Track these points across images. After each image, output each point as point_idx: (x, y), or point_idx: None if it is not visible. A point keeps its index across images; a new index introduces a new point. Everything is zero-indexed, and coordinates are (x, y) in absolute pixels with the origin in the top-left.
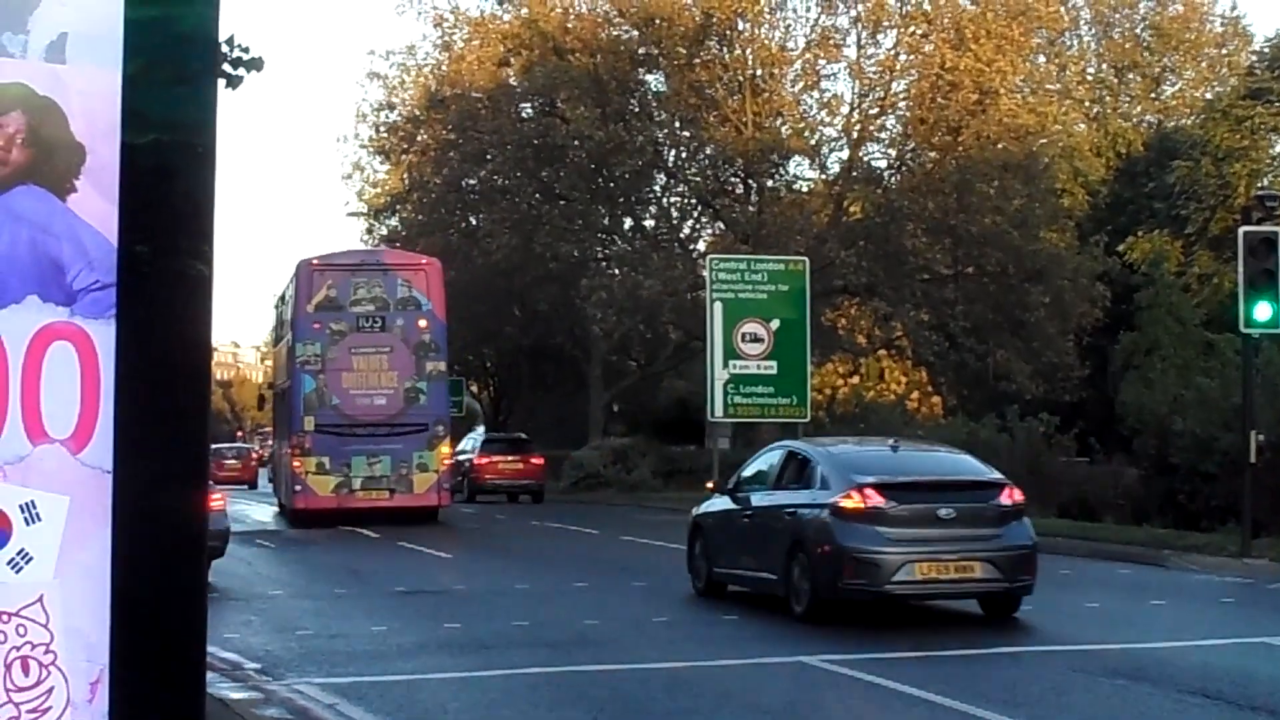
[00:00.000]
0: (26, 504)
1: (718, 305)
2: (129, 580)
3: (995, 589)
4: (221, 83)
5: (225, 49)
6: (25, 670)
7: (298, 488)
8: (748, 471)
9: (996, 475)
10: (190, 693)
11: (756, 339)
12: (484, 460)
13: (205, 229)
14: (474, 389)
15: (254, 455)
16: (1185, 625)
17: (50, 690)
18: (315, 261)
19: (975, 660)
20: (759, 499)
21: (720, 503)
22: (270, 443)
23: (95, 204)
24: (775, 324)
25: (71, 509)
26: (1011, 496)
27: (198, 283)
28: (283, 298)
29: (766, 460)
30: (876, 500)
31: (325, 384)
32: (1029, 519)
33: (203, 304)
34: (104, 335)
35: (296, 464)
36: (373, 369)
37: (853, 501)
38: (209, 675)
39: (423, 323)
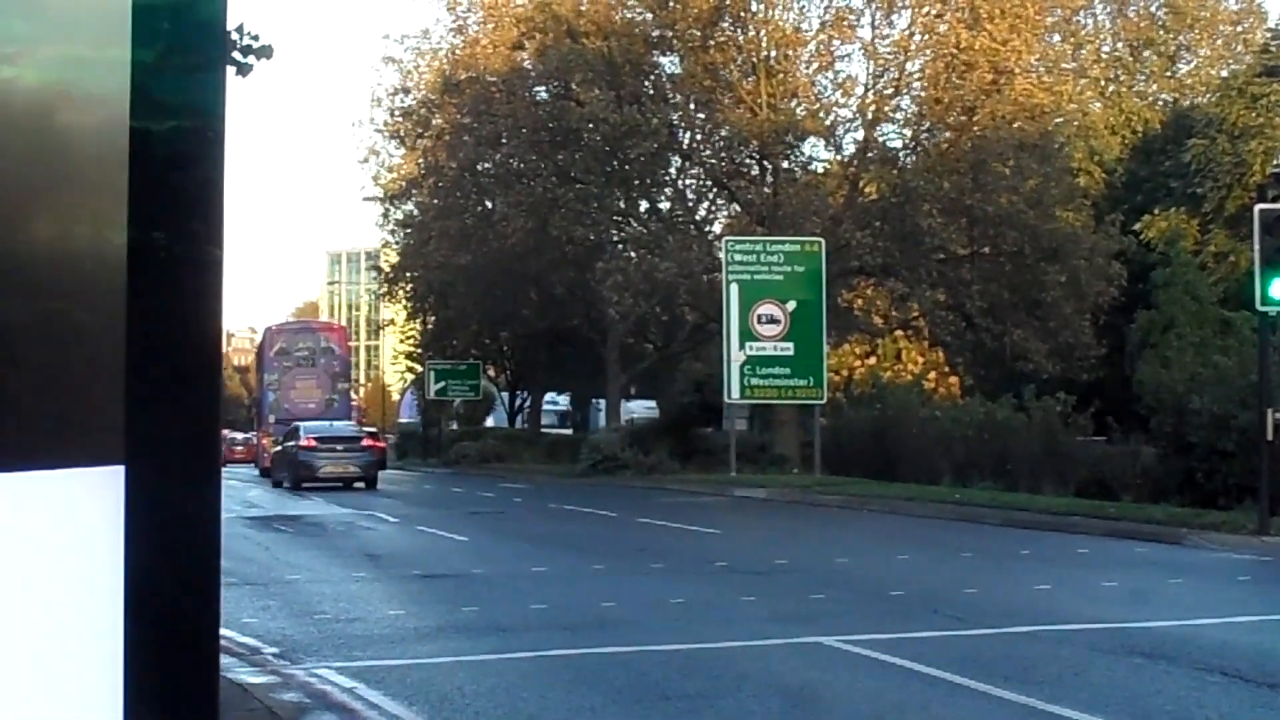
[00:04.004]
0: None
1: (734, 287)
2: (141, 572)
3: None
4: (231, 70)
5: (235, 37)
6: None
7: (265, 455)
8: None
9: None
10: (204, 684)
11: (773, 320)
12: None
13: (215, 215)
14: (491, 373)
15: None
16: (1203, 603)
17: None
18: (274, 327)
19: (993, 639)
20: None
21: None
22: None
23: None
24: (791, 305)
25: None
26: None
27: (209, 268)
28: (259, 348)
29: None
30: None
31: (280, 396)
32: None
33: (214, 290)
34: None
35: (265, 440)
36: (307, 388)
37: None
38: (227, 660)
39: (335, 363)
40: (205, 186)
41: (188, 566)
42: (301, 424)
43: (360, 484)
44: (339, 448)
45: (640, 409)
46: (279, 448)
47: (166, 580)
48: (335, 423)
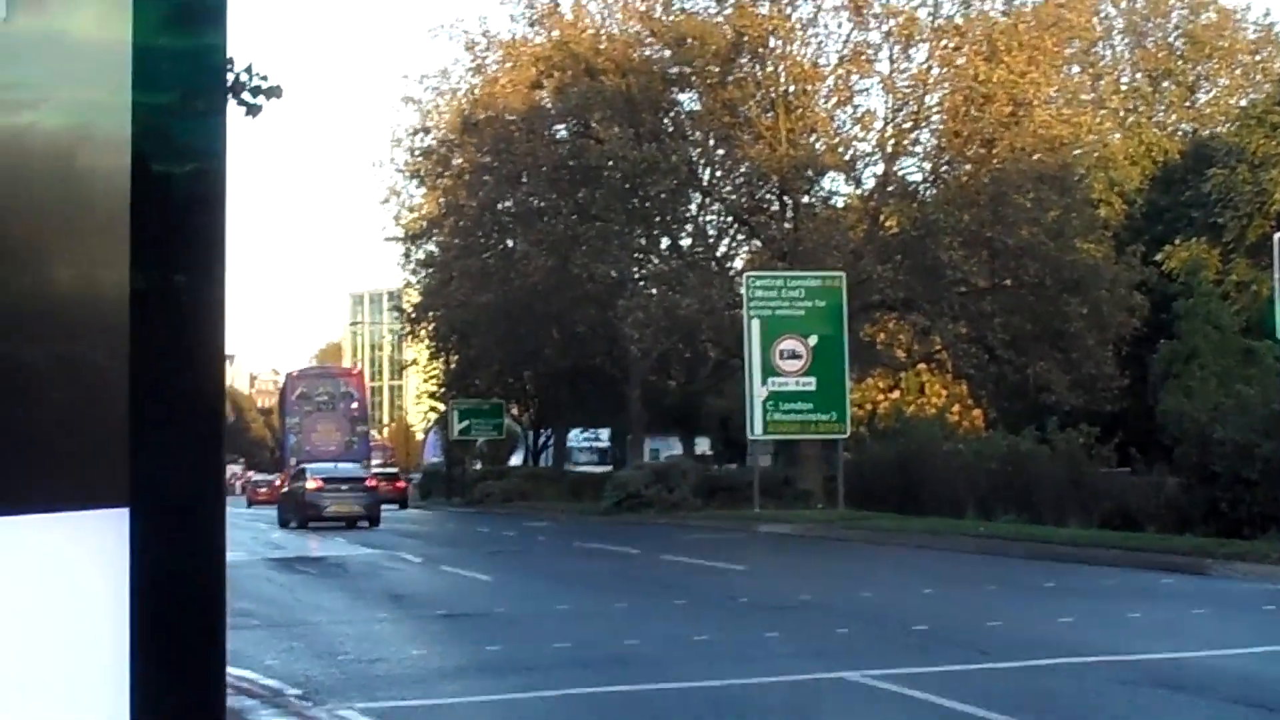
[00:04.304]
0: None
1: (755, 322)
2: (146, 615)
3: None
4: (241, 111)
5: (245, 77)
6: None
7: None
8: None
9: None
10: None
11: (795, 355)
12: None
13: (217, 257)
14: (514, 411)
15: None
16: (1228, 634)
17: None
18: (295, 372)
19: (1017, 672)
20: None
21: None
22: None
23: None
24: (813, 340)
25: None
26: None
27: (211, 310)
28: (281, 393)
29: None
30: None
31: (301, 439)
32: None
33: (216, 331)
34: None
35: (287, 482)
36: (327, 431)
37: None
38: (249, 702)
39: (354, 406)
40: (207, 228)
41: (193, 608)
42: (308, 466)
43: (364, 523)
44: (344, 488)
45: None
46: (286, 489)
47: (172, 622)
48: (340, 464)
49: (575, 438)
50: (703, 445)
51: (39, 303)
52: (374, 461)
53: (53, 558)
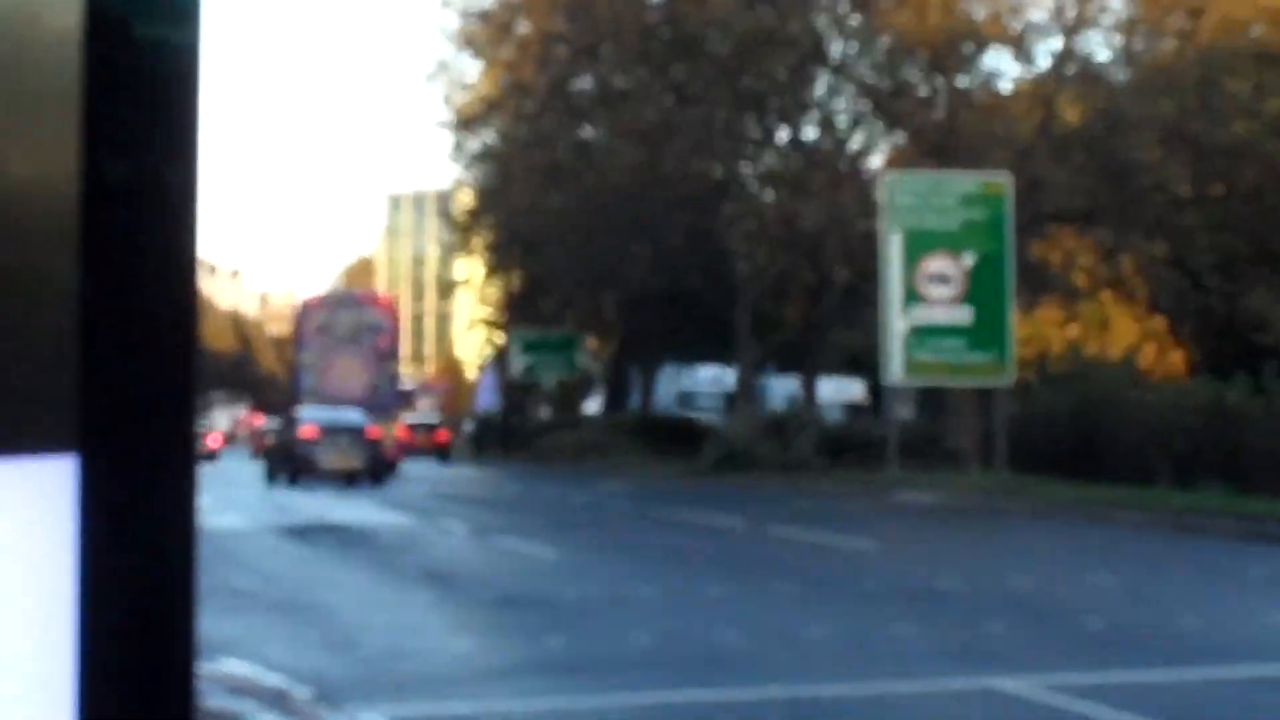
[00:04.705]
0: None
1: (896, 237)
2: (98, 588)
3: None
4: None
5: None
6: None
7: None
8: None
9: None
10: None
11: (944, 279)
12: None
13: (189, 138)
14: (592, 344)
15: None
16: None
17: None
18: (314, 299)
19: (1213, 685)
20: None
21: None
22: None
23: None
24: (969, 260)
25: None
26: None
27: (181, 205)
28: (296, 323)
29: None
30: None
31: (318, 379)
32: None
33: (186, 232)
34: None
35: None
36: (349, 368)
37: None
38: (246, 704)
39: (382, 339)
40: (177, 104)
41: (157, 580)
42: (301, 411)
43: (364, 480)
44: (341, 439)
45: (835, 392)
46: (274, 439)
47: (130, 598)
48: (339, 410)
49: (697, 378)
50: (849, 389)
51: None
52: (422, 405)
53: None
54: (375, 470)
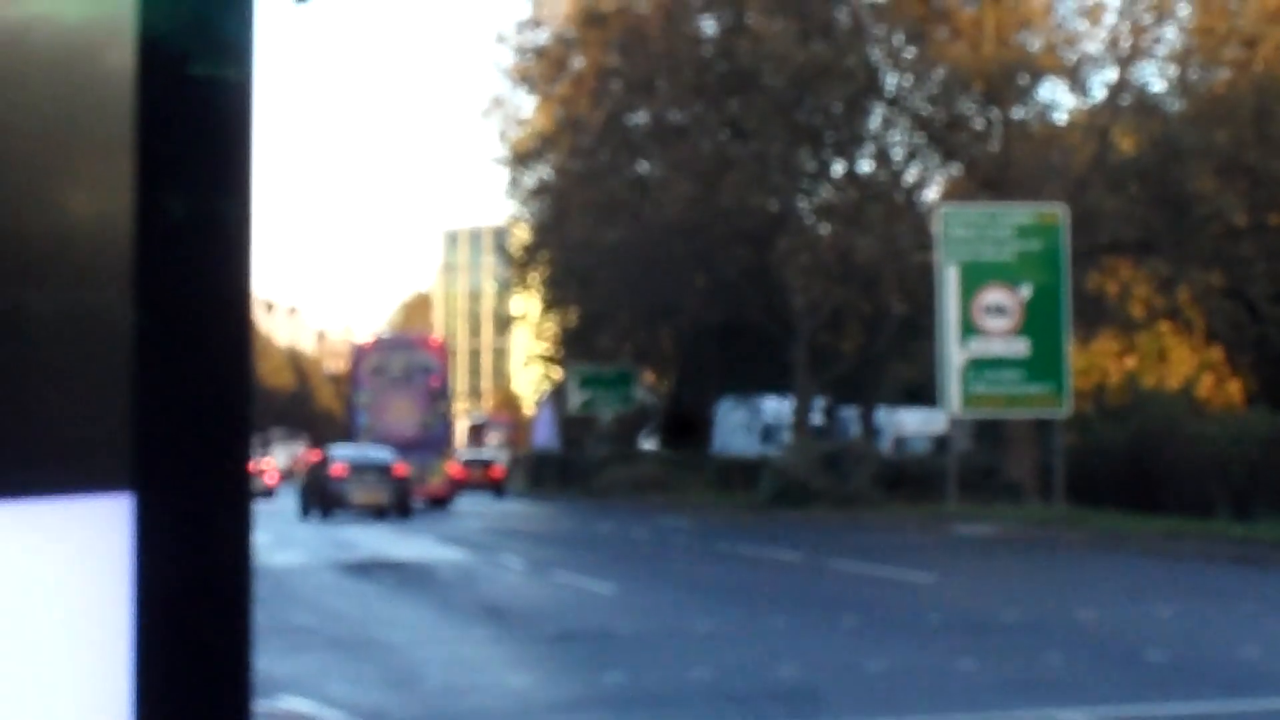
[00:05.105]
0: None
1: (952, 269)
2: (153, 628)
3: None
4: None
5: None
6: None
7: None
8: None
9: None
10: None
11: (1001, 311)
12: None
13: (242, 174)
14: (649, 378)
15: None
16: None
17: None
18: (368, 342)
19: (1254, 716)
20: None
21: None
22: None
23: None
24: (1025, 291)
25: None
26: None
27: (236, 241)
28: (352, 365)
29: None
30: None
31: (373, 419)
32: None
33: (241, 268)
34: None
35: None
36: (402, 408)
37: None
38: None
39: (433, 380)
40: (232, 141)
41: (212, 618)
42: (335, 450)
43: (392, 513)
44: (369, 475)
45: (923, 424)
46: (308, 475)
47: (186, 635)
48: (368, 450)
49: (772, 410)
50: (936, 420)
51: (28, 242)
52: (491, 438)
53: (33, 558)
54: (402, 504)
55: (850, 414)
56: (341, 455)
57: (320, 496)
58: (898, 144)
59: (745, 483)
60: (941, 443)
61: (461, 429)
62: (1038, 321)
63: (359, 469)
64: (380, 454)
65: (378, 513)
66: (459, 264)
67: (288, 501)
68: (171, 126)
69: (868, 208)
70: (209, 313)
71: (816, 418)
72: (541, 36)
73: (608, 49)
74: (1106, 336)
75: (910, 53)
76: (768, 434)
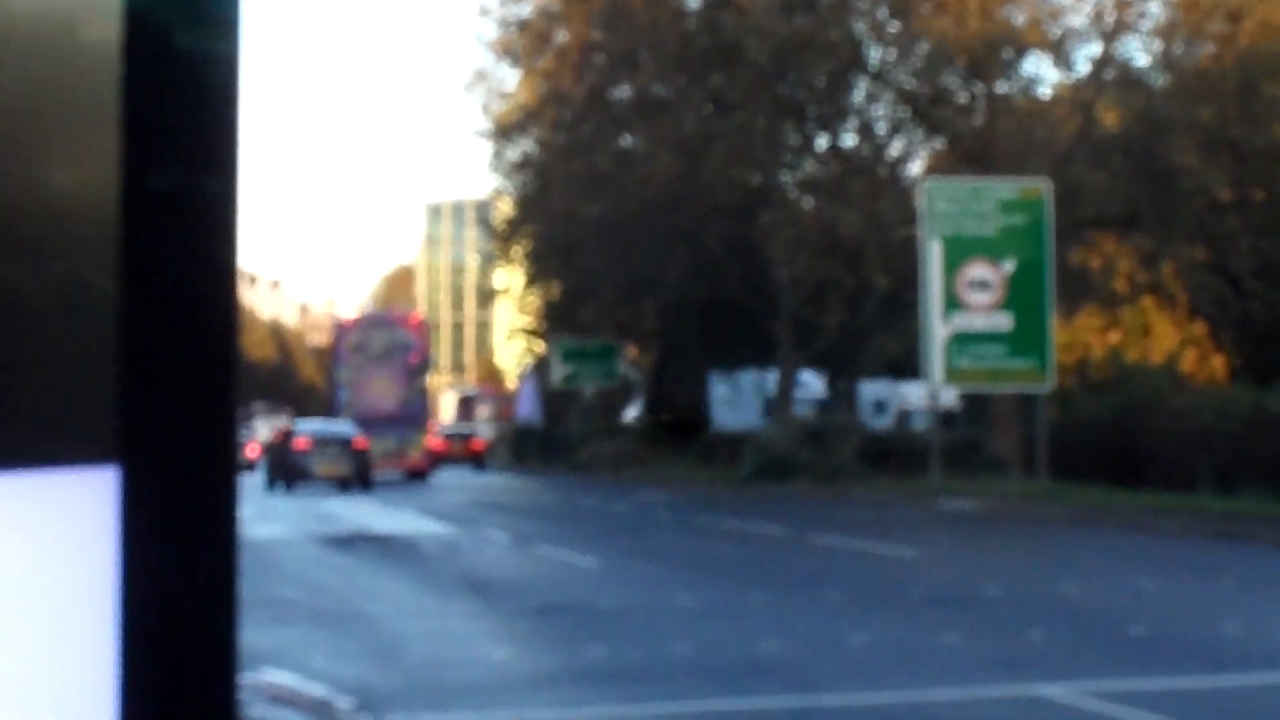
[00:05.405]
0: None
1: (935, 243)
2: (139, 599)
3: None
4: None
5: None
6: None
7: None
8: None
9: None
10: None
11: (984, 286)
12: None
13: (228, 148)
14: (632, 353)
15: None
16: None
17: None
18: (349, 320)
19: (1260, 691)
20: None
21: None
22: None
23: None
24: (1008, 266)
25: None
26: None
27: (221, 215)
28: (334, 342)
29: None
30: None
31: (354, 395)
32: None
33: (226, 242)
34: None
35: None
36: (383, 385)
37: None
38: (290, 714)
39: (412, 356)
40: (218, 114)
41: (198, 590)
42: (299, 425)
43: (354, 485)
44: (331, 448)
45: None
46: (272, 448)
47: (171, 608)
48: (330, 424)
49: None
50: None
51: (13, 215)
52: (481, 411)
53: (19, 530)
54: (362, 476)
55: (870, 387)
56: (305, 430)
57: (284, 469)
58: (881, 118)
59: (730, 457)
60: (948, 418)
61: (451, 402)
62: (1021, 296)
63: (321, 442)
64: (342, 428)
65: (340, 484)
66: (442, 237)
67: None
68: (157, 99)
69: (851, 182)
70: (194, 286)
71: (817, 390)
72: (525, 10)
73: (591, 22)
74: (1090, 311)
75: (894, 26)
76: (769, 409)
